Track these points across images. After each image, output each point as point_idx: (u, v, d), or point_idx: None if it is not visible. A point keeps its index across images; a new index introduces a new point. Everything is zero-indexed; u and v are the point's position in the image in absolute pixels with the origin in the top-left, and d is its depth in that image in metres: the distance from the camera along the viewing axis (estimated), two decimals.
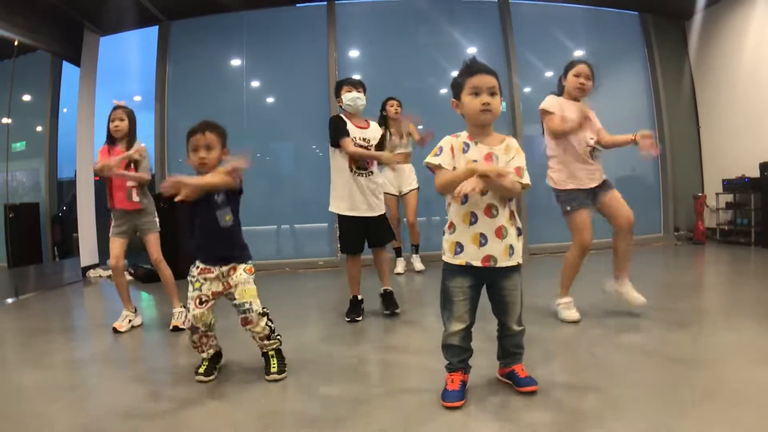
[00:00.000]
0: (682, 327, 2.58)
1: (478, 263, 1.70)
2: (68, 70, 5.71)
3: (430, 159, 1.74)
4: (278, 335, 2.18)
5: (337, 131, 2.95)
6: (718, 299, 3.37)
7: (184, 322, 2.77)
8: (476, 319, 1.79)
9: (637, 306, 2.79)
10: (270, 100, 6.15)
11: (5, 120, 5.09)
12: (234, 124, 5.79)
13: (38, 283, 5.18)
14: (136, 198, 3.03)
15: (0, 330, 3.34)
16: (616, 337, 2.44)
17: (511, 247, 1.72)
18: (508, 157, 1.73)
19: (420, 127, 4.73)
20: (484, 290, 1.80)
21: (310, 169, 5.85)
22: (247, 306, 2.03)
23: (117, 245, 3.04)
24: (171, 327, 2.98)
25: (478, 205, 1.69)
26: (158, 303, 3.96)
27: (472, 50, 5.90)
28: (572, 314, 2.72)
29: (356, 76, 5.89)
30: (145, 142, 3.25)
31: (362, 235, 3.04)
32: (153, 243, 3.10)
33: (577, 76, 2.77)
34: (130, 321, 3.04)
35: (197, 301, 2.05)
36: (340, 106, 3.10)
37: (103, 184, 3.14)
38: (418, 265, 4.84)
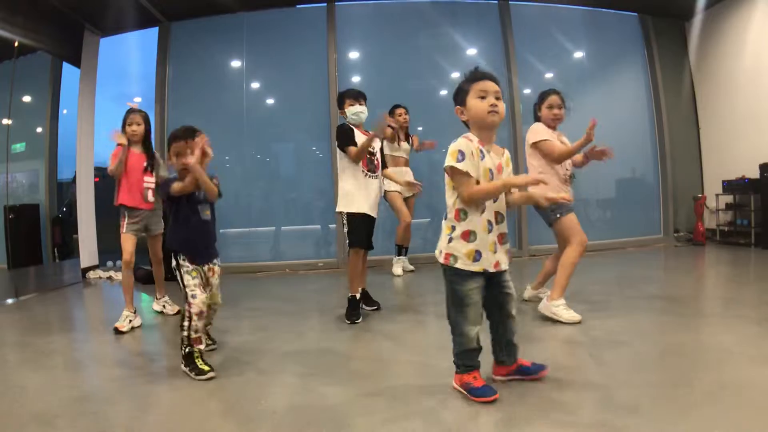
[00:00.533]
0: (682, 328, 2.58)
1: (492, 269, 1.78)
2: (68, 71, 5.71)
3: (455, 164, 1.73)
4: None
5: (346, 139, 3.11)
6: (719, 300, 3.36)
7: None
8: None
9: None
10: (270, 101, 6.15)
11: (5, 121, 5.10)
12: (234, 125, 5.80)
13: (38, 284, 5.18)
14: (151, 198, 3.25)
15: (0, 330, 3.34)
16: (616, 339, 2.43)
17: (509, 250, 1.86)
18: (509, 169, 1.87)
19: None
20: None
21: (310, 171, 5.85)
22: (217, 306, 2.42)
23: (131, 242, 3.19)
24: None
25: (491, 213, 1.78)
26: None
27: (471, 51, 5.90)
28: (573, 315, 2.72)
29: (356, 78, 5.95)
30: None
31: (371, 231, 3.20)
32: (159, 242, 3.38)
33: (550, 107, 2.94)
34: (130, 321, 3.05)
35: (201, 287, 2.25)
36: (344, 117, 3.25)
37: (113, 182, 3.25)
38: (407, 265, 4.86)
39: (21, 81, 5.18)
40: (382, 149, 3.31)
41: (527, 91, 5.88)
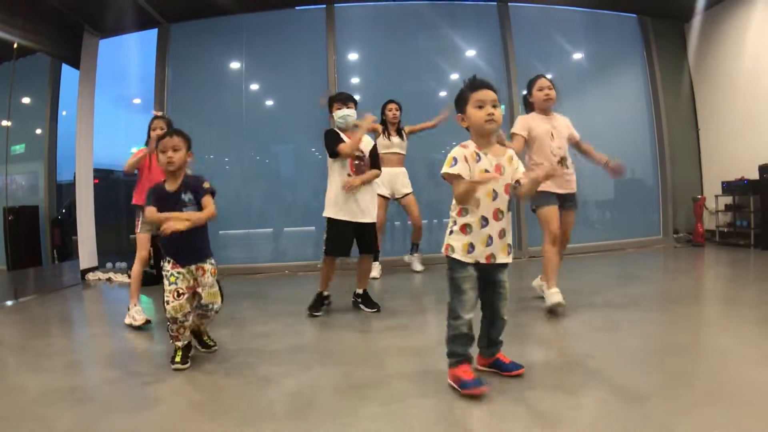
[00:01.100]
0: (683, 328, 2.58)
1: (483, 260, 1.89)
2: (68, 72, 5.72)
3: (447, 170, 1.86)
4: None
5: (333, 142, 3.11)
6: (718, 301, 3.36)
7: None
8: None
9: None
10: (269, 102, 6.15)
11: (5, 122, 5.10)
12: (233, 127, 5.80)
13: (37, 285, 5.18)
14: None
15: None
16: (616, 338, 2.44)
17: (509, 246, 1.95)
18: (512, 167, 1.93)
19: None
20: None
21: (310, 172, 5.85)
22: (212, 306, 2.37)
23: (147, 239, 3.28)
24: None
25: (489, 210, 1.88)
26: (157, 305, 3.94)
27: (471, 53, 5.91)
28: (555, 298, 2.79)
29: (355, 80, 5.95)
30: (144, 145, 3.27)
31: (351, 240, 3.17)
32: None
33: (540, 89, 2.99)
34: (138, 313, 3.10)
35: (175, 293, 2.27)
36: (333, 121, 3.25)
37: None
38: (418, 266, 4.86)
39: (20, 82, 5.19)
40: (374, 152, 3.26)
41: (526, 92, 5.88)
